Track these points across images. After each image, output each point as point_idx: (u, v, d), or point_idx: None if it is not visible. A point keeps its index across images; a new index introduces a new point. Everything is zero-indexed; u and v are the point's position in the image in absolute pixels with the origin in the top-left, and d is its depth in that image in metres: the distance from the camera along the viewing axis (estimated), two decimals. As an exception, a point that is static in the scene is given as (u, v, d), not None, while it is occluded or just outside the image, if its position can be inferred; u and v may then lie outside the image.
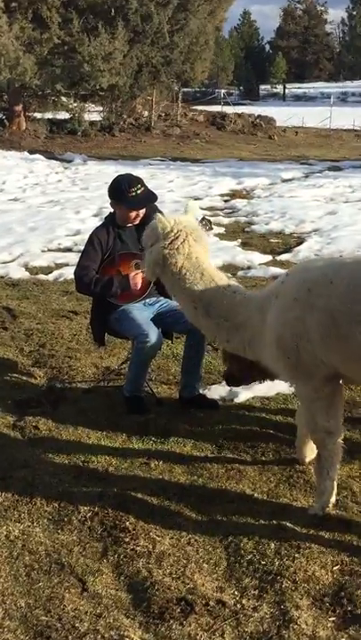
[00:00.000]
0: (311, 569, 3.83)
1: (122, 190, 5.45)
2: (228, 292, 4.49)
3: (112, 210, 5.70)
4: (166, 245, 4.47)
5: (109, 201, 5.64)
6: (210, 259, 4.67)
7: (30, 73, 24.24)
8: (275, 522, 4.22)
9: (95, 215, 13.44)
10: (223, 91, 46.78)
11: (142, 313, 5.50)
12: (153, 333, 5.33)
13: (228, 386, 5.44)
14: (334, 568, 3.86)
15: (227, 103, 42.48)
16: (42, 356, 6.58)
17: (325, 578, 3.78)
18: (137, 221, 5.57)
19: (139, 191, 5.45)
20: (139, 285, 5.46)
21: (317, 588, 3.71)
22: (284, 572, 3.80)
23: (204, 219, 5.79)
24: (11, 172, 19.30)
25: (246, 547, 4.01)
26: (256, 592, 3.69)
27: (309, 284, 4.06)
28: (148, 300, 5.64)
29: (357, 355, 3.94)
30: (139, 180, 5.52)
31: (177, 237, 4.48)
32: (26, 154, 23.45)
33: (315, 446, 4.63)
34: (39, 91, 27.02)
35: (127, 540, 4.04)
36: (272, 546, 4.00)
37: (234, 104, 44.99)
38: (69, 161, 22.52)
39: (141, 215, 5.55)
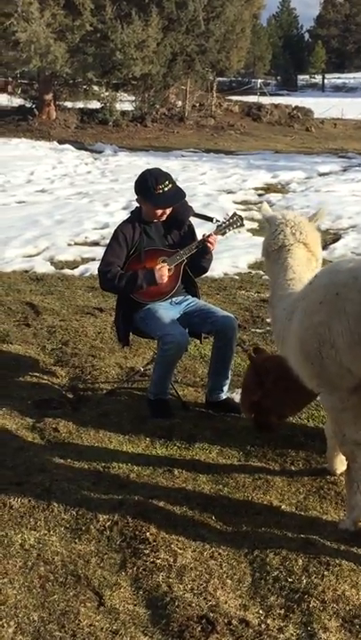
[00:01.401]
0: (341, 588, 3.62)
1: (148, 187, 5.24)
2: (286, 283, 4.44)
3: (138, 205, 5.50)
4: (268, 236, 4.60)
5: (136, 197, 5.43)
6: (316, 249, 4.66)
7: (61, 61, 24.06)
8: (303, 536, 4.02)
9: (124, 208, 13.26)
10: (260, 81, 46.27)
11: (168, 312, 5.31)
12: (179, 334, 5.15)
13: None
14: (366, 588, 3.65)
15: (263, 93, 42.09)
16: (64, 354, 6.42)
17: (356, 598, 3.57)
18: (164, 218, 5.37)
19: (166, 188, 5.24)
20: (165, 278, 5.26)
21: (347, 608, 3.50)
22: (312, 590, 3.60)
23: (235, 214, 5.61)
24: (40, 162, 19.18)
25: (272, 562, 3.81)
26: (282, 611, 3.49)
27: (338, 288, 3.82)
28: (174, 299, 5.45)
29: None
30: (167, 177, 5.31)
31: (276, 229, 4.55)
32: (55, 144, 23.34)
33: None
34: (70, 79, 26.87)
35: (147, 551, 3.86)
36: (300, 562, 3.80)
37: (270, 94, 44.58)
38: (100, 152, 22.37)
39: (168, 212, 5.35)
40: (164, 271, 5.25)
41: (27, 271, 9.22)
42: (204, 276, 8.72)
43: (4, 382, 5.83)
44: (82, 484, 4.46)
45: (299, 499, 4.39)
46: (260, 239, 10.68)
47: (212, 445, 4.96)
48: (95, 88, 27.78)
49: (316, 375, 3.96)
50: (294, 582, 3.66)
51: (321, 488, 4.49)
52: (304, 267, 4.49)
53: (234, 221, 5.56)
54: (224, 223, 5.55)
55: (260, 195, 15.25)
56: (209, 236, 5.41)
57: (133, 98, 29.25)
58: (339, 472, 4.57)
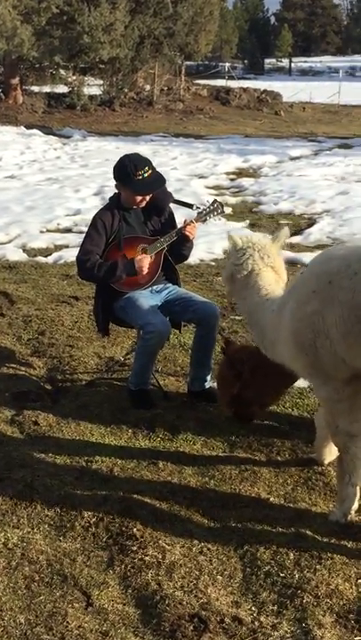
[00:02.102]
0: (334, 582, 3.55)
1: (128, 173, 5.10)
2: (266, 302, 4.36)
3: (116, 191, 5.35)
4: (235, 262, 4.48)
5: (114, 182, 5.29)
6: (282, 271, 4.62)
7: (28, 44, 23.67)
8: (293, 529, 3.94)
9: (96, 194, 13.09)
10: (227, 64, 45.97)
11: (149, 301, 5.19)
12: (160, 322, 5.03)
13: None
14: (359, 581, 3.58)
15: (231, 77, 41.85)
16: (41, 344, 6.27)
17: (350, 592, 3.50)
18: (143, 204, 5.24)
19: (146, 174, 5.10)
20: (145, 270, 5.14)
21: (341, 603, 3.43)
22: (305, 585, 3.52)
23: (215, 201, 5.50)
24: (7, 147, 18.88)
25: (263, 557, 3.72)
26: (275, 608, 3.41)
27: (330, 276, 3.72)
28: (155, 287, 5.33)
29: None
30: (146, 162, 5.17)
31: (244, 254, 4.47)
32: (23, 129, 22.98)
33: (334, 447, 4.36)
34: (37, 63, 26.45)
35: (135, 548, 3.76)
36: (291, 556, 3.72)
37: (238, 78, 44.37)
38: (68, 137, 22.08)
39: (148, 199, 5.22)
40: (144, 262, 5.13)
41: (-2, 259, 9.03)
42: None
43: (-20, 374, 5.68)
44: (64, 479, 4.34)
45: (287, 490, 4.31)
46: (235, 224, 10.66)
47: (196, 436, 4.86)
48: (62, 72, 27.39)
49: (311, 365, 3.86)
50: (286, 577, 3.58)
51: (309, 479, 4.41)
52: (274, 287, 4.45)
53: (214, 208, 5.44)
54: (205, 210, 5.43)
55: (232, 179, 15.14)
56: (189, 223, 5.29)
57: (101, 82, 28.88)
58: (327, 462, 4.50)
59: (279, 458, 4.64)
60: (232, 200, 12.95)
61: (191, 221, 5.32)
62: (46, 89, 28.57)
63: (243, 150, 19.24)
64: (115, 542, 3.82)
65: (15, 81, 26.47)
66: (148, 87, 30.22)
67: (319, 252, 9.06)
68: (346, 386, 3.81)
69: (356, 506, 4.05)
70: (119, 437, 4.87)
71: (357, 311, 3.58)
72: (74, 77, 27.19)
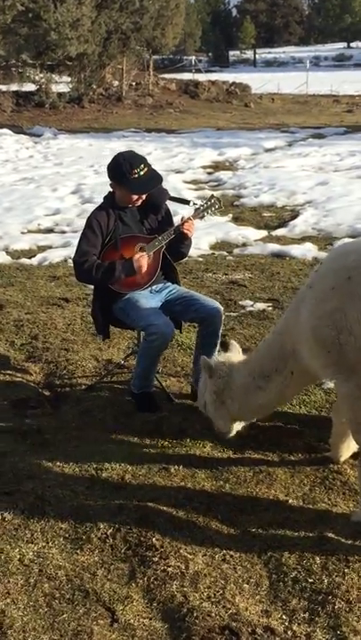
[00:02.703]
0: (365, 586, 3.45)
1: (123, 172, 4.95)
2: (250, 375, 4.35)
3: (111, 190, 5.21)
4: (214, 386, 4.44)
5: (109, 182, 5.14)
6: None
7: (-7, 42, 23.40)
8: (316, 531, 3.83)
9: (74, 192, 12.91)
10: (193, 57, 45.82)
11: (150, 301, 5.06)
12: (163, 323, 4.90)
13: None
14: (390, 584, 3.48)
15: (198, 70, 41.73)
16: (35, 349, 6.10)
17: (381, 596, 3.40)
18: (139, 203, 5.10)
19: (142, 172, 4.96)
20: (144, 268, 5.00)
21: (374, 608, 3.33)
22: (336, 590, 3.42)
23: (212, 197, 5.39)
24: (-20, 148, 18.63)
25: (289, 562, 3.61)
26: (306, 615, 3.30)
27: (350, 271, 3.65)
28: (154, 287, 5.20)
29: None
30: (142, 160, 5.03)
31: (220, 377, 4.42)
32: (-8, 129, 22.71)
33: (352, 445, 4.27)
34: (3, 61, 26.10)
35: (156, 559, 3.63)
36: (317, 560, 3.62)
37: (205, 71, 44.19)
38: (39, 135, 21.82)
39: (144, 197, 5.08)
40: (143, 261, 4.99)
41: (-15, 262, 8.83)
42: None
43: (-24, 383, 5.52)
44: (75, 488, 4.20)
45: (304, 491, 4.20)
46: (218, 219, 10.53)
47: (204, 438, 4.74)
48: (29, 70, 27.04)
49: (333, 363, 3.76)
50: (315, 583, 3.48)
51: (326, 478, 4.31)
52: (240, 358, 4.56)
53: (212, 204, 5.31)
54: (202, 206, 5.30)
55: (209, 173, 15.03)
56: (187, 220, 5.16)
57: (69, 79, 28.58)
58: (343, 459, 4.40)
59: (293, 457, 4.54)
60: (212, 194, 12.79)
61: (189, 218, 5.19)
62: (14, 87, 28.20)
63: (217, 143, 19.13)
64: (134, 553, 3.69)
65: (-19, 80, 26.18)
66: (116, 83, 29.97)
67: (306, 244, 9.09)
68: None
69: None
70: (126, 443, 4.73)
71: None
72: (41, 75, 26.86)
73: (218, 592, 3.43)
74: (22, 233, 10.23)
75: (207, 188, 13.44)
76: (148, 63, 30.88)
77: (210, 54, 76.29)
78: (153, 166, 5.17)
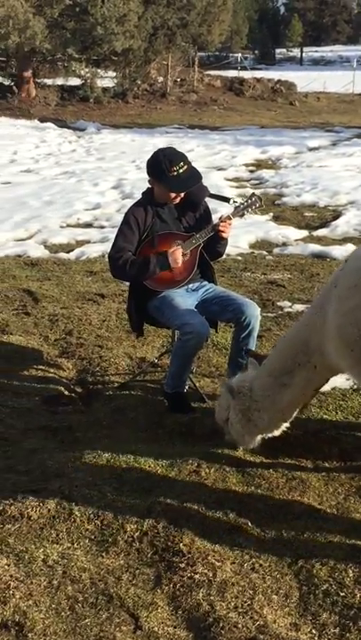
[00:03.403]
0: None
1: (162, 169, 4.86)
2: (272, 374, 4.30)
3: (149, 186, 5.12)
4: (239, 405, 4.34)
5: (148, 178, 5.05)
6: None
7: (40, 36, 23.37)
8: (349, 542, 3.71)
9: (114, 187, 12.86)
10: (239, 55, 45.57)
11: (185, 300, 4.96)
12: (199, 323, 4.79)
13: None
14: None
15: (243, 68, 41.44)
16: (69, 344, 6.04)
17: None
18: (177, 201, 5.01)
19: (181, 170, 4.86)
20: (179, 262, 4.90)
21: None
22: (368, 606, 3.29)
23: (253, 195, 5.27)
24: (22, 141, 18.65)
25: (320, 574, 3.49)
26: (337, 630, 3.18)
27: None
28: (191, 286, 5.10)
29: None
30: (182, 157, 4.93)
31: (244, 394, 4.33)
32: (37, 122, 22.75)
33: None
34: (49, 55, 26.15)
35: (183, 565, 3.53)
36: (350, 573, 3.49)
37: (250, 69, 43.91)
38: (82, 129, 21.82)
39: (183, 195, 4.99)
40: (177, 254, 4.89)
41: (20, 256, 8.81)
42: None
43: (8, 377, 5.47)
44: (103, 488, 4.11)
45: (339, 500, 4.08)
46: (259, 217, 10.40)
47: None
48: (75, 64, 27.04)
49: (358, 362, 3.73)
50: (347, 596, 3.35)
51: None
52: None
53: (252, 202, 5.20)
54: (242, 204, 5.19)
55: (251, 171, 14.88)
56: (225, 219, 5.05)
57: (114, 74, 28.56)
58: (379, 469, 4.28)
59: (327, 464, 4.41)
60: (253, 192, 12.66)
61: (228, 217, 5.08)
62: (59, 81, 28.27)
63: (260, 141, 18.96)
64: (161, 558, 3.59)
65: (28, 74, 26.18)
66: (161, 79, 29.86)
67: (348, 245, 8.92)
68: None
69: None
70: (157, 443, 4.64)
71: None
72: (87, 70, 26.86)
73: (245, 602, 3.33)
74: (61, 227, 10.19)
75: (249, 186, 13.31)
76: (194, 59, 30.75)
77: (256, 52, 75.82)
78: (193, 164, 5.07)
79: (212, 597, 3.35)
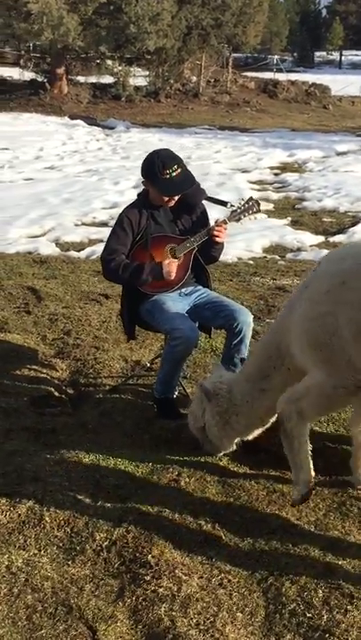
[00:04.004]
0: (366, 626, 3.20)
1: (155, 171, 4.78)
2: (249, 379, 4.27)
3: (145, 187, 5.04)
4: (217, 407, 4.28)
5: (142, 179, 4.98)
6: None
7: (74, 34, 23.40)
8: (323, 561, 3.59)
9: (135, 187, 12.77)
10: (276, 57, 45.30)
11: (177, 304, 4.86)
12: (188, 328, 4.69)
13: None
14: (395, 626, 3.23)
15: (279, 70, 41.16)
16: (66, 345, 5.98)
17: (384, 638, 3.14)
18: (172, 203, 4.92)
19: (174, 173, 4.77)
20: (173, 275, 4.81)
21: (374, 651, 3.08)
22: (334, 629, 3.18)
23: (251, 199, 5.15)
24: (50, 138, 18.66)
25: (289, 592, 3.39)
26: (299, 653, 3.08)
27: (344, 276, 3.60)
28: (184, 290, 5.00)
29: None
30: (176, 160, 4.83)
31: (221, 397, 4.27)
32: (67, 119, 22.76)
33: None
34: (83, 53, 26.17)
35: (148, 578, 3.44)
36: (320, 593, 3.38)
37: (287, 71, 43.60)
38: (112, 128, 21.79)
39: (177, 198, 4.89)
40: (172, 267, 4.80)
41: (30, 253, 8.77)
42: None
43: (0, 376, 5.41)
44: (78, 495, 4.04)
45: (318, 516, 3.96)
46: (276, 221, 10.28)
47: (222, 451, 4.52)
48: (108, 62, 27.03)
49: (323, 361, 3.72)
50: (314, 618, 3.24)
51: (343, 504, 4.05)
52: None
53: (249, 207, 5.08)
54: (239, 209, 5.07)
55: (275, 174, 14.74)
56: (221, 223, 4.95)
57: (147, 73, 28.50)
58: (364, 484, 4.16)
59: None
60: (275, 196, 12.55)
61: (224, 221, 4.98)
62: (92, 79, 28.27)
63: (288, 144, 18.79)
64: (127, 570, 3.51)
65: (61, 71, 26.23)
66: (194, 79, 29.76)
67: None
68: (345, 389, 3.70)
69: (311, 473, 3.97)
70: (141, 449, 4.55)
71: None
72: (120, 68, 26.83)
73: (208, 619, 3.23)
74: (76, 225, 10.14)
75: (271, 189, 13.17)
76: (228, 60, 30.59)
77: (295, 54, 75.37)
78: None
79: (174, 613, 3.25)
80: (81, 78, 28.10)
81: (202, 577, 3.47)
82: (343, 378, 3.67)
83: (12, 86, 28.23)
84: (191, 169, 5.12)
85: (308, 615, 3.26)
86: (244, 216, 5.08)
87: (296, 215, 11.15)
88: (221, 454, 4.44)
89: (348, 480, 4.22)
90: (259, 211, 5.13)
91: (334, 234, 10.04)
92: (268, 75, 38.61)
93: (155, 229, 4.92)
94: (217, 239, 4.93)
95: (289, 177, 14.20)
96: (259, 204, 5.13)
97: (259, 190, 12.89)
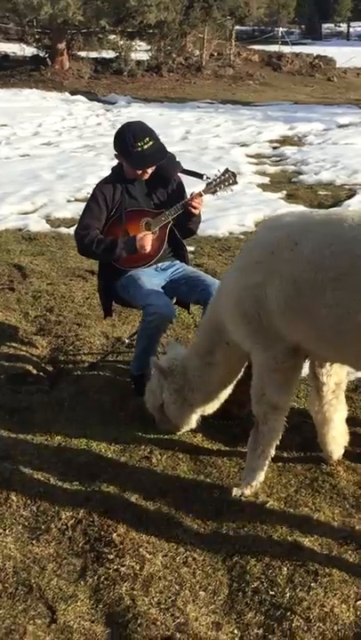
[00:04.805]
0: (329, 603, 3.16)
1: (126, 143, 4.70)
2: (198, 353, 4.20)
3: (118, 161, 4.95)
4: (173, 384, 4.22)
5: (115, 153, 4.90)
6: None
7: (73, 7, 23.07)
8: (290, 538, 3.55)
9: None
10: (281, 29, 44.72)
11: (152, 280, 4.79)
12: (163, 304, 4.63)
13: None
14: (358, 603, 3.18)
15: (285, 42, 40.63)
16: (48, 322, 5.92)
17: (346, 616, 3.12)
18: (146, 177, 4.83)
19: (146, 146, 4.68)
20: (147, 248, 4.74)
21: (335, 628, 3.06)
22: (296, 606, 3.14)
23: (227, 171, 5.05)
24: (49, 113, 18.46)
25: (253, 570, 3.35)
26: (260, 631, 3.04)
27: (273, 246, 3.54)
28: (160, 265, 4.93)
29: (319, 333, 3.43)
30: (148, 132, 4.74)
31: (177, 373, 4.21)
32: (67, 95, 22.51)
33: (340, 439, 3.99)
34: (84, 27, 25.83)
35: (111, 557, 3.41)
36: (284, 571, 3.34)
37: (293, 43, 43.05)
38: (112, 103, 21.55)
39: (150, 171, 4.81)
40: (146, 240, 4.72)
41: (21, 229, 8.67)
42: (208, 234, 8.29)
43: (-21, 354, 5.37)
44: (48, 473, 4.01)
45: (289, 492, 3.91)
46: (271, 195, 10.15)
47: (198, 428, 4.46)
48: (110, 37, 26.70)
49: (253, 333, 3.66)
50: (276, 596, 3.21)
51: (315, 480, 4.01)
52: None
53: (225, 179, 4.98)
54: (214, 181, 4.98)
55: (274, 148, 14.53)
56: (196, 195, 4.86)
57: (149, 47, 28.17)
58: (335, 457, 4.10)
59: (285, 454, 4.23)
60: (271, 169, 12.39)
61: (199, 193, 4.89)
62: (93, 54, 27.98)
63: (290, 117, 18.53)
64: (91, 549, 3.48)
65: (62, 46, 25.90)
66: (197, 52, 29.40)
67: None
68: (287, 357, 3.63)
69: (261, 479, 3.87)
70: (115, 427, 4.50)
71: (296, 285, 3.40)
72: (121, 42, 26.51)
73: (169, 598, 3.20)
74: (68, 201, 10.02)
75: (269, 162, 13.00)
76: (231, 33, 30.19)
77: (303, 26, 74.52)
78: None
79: (135, 592, 3.22)
80: (82, 53, 27.79)
81: (166, 555, 3.44)
82: (277, 348, 3.61)
83: (14, 62, 27.93)
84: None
85: (270, 593, 3.22)
86: (220, 188, 4.99)
87: (291, 188, 11.00)
88: (181, 432, 4.39)
89: (321, 456, 4.16)
90: (235, 182, 5.03)
91: (329, 207, 9.89)
92: (274, 48, 38.09)
93: (129, 203, 4.84)
94: (193, 211, 4.85)
95: (287, 150, 14.01)
96: (235, 176, 5.04)
97: (256, 164, 12.74)
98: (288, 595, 3.20)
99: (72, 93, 22.76)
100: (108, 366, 5.25)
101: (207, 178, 5.03)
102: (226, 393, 4.21)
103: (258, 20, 38.08)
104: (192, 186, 5.22)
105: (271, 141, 15.17)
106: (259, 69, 29.86)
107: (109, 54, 27.56)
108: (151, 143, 4.69)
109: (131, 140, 4.66)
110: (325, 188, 11.04)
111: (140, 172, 4.76)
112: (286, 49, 35.68)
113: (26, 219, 9.02)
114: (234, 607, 3.16)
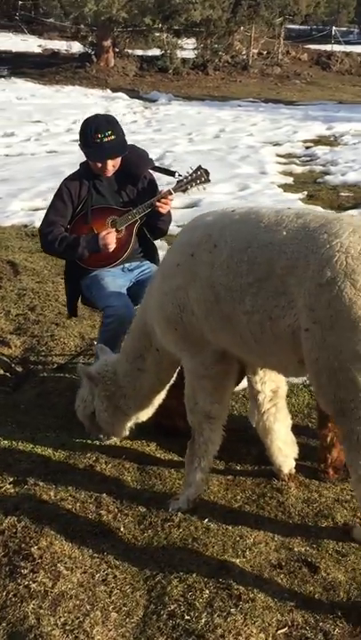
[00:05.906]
0: (246, 632, 2.95)
1: (86, 135, 4.53)
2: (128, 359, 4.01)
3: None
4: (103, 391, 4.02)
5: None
6: None
7: (117, 5, 22.96)
8: (220, 558, 3.33)
9: (156, 159, 12.47)
10: (334, 28, 44.07)
11: (117, 280, 4.61)
12: (122, 306, 4.44)
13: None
14: (279, 632, 2.96)
15: (338, 42, 40.02)
16: (27, 320, 5.78)
17: (263, 647, 2.88)
18: (109, 173, 4.65)
19: (106, 139, 4.49)
20: (111, 247, 4.55)
21: (248, 662, 2.82)
22: (209, 634, 2.93)
23: (199, 168, 4.84)
24: (86, 111, 18.33)
25: (173, 592, 3.14)
26: (166, 661, 2.83)
27: (193, 248, 3.34)
28: (127, 265, 4.74)
29: (242, 339, 3.22)
30: (111, 125, 4.55)
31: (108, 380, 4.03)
32: (108, 92, 22.44)
33: (289, 453, 3.77)
34: (130, 25, 25.72)
35: (25, 572, 3.23)
36: (205, 594, 3.13)
37: (351, 43, 42.36)
38: (153, 100, 21.41)
39: (115, 166, 4.62)
40: (109, 238, 4.54)
41: (26, 226, 8.57)
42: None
43: None
44: (-17, 479, 3.85)
45: (233, 508, 3.70)
46: (291, 195, 9.88)
47: (155, 436, 4.27)
48: (156, 34, 26.54)
49: (179, 339, 3.48)
50: (191, 621, 3.00)
51: (263, 496, 3.79)
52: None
53: (197, 176, 4.77)
54: (186, 178, 4.77)
55: (307, 147, 14.21)
56: (165, 193, 4.66)
57: (195, 45, 27.92)
58: (286, 471, 3.86)
59: (239, 467, 4.01)
60: (298, 169, 12.09)
61: (169, 191, 4.69)
62: (139, 52, 27.88)
63: (330, 117, 18.16)
64: (8, 562, 3.30)
65: (107, 43, 25.81)
66: (244, 50, 29.08)
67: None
68: (215, 363, 3.43)
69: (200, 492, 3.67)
70: (67, 432, 4.33)
71: (215, 289, 3.21)
72: (167, 40, 26.33)
73: (77, 619, 3.02)
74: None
75: (297, 162, 12.71)
76: (280, 31, 29.80)
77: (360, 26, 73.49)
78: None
79: (42, 611, 3.04)
80: (128, 51, 27.71)
81: (85, 572, 3.25)
82: (204, 354, 3.43)
83: (62, 59, 28.08)
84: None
85: (186, 617, 3.01)
86: (192, 186, 4.77)
87: (314, 189, 10.70)
88: (112, 441, 4.20)
89: (272, 470, 3.93)
90: (208, 180, 4.81)
91: (348, 208, 9.60)
92: (327, 47, 37.54)
93: (96, 200, 4.67)
94: (161, 210, 4.65)
95: (319, 150, 13.67)
96: (208, 174, 4.81)
97: (284, 164, 12.46)
98: (203, 620, 2.99)
99: (114, 90, 22.69)
100: (74, 368, 5.07)
101: (179, 175, 4.82)
102: (159, 399, 4.01)
103: (303, 16, 37.31)
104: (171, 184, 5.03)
105: (305, 141, 14.86)
106: (307, 68, 29.46)
107: (155, 52, 27.41)
108: (113, 137, 4.51)
109: (92, 131, 4.49)
110: (349, 189, 10.71)
111: (99, 165, 4.58)
112: (338, 48, 35.07)
113: (33, 215, 8.91)
114: (145, 631, 2.97)
